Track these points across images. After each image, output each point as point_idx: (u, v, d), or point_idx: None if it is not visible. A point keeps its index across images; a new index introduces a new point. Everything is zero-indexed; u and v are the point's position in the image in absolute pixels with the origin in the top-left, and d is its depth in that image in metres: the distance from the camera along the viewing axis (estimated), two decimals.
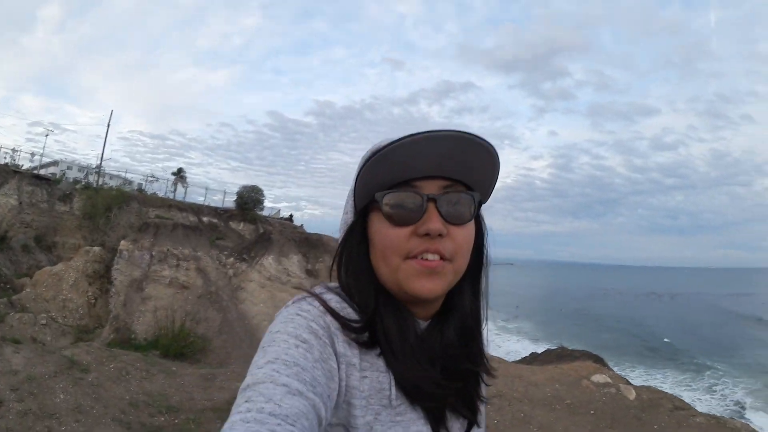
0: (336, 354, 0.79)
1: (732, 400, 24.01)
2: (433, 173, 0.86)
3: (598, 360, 14.82)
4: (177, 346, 12.97)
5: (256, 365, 0.71)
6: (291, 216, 34.74)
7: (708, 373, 30.40)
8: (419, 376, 0.85)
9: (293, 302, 0.85)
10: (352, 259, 0.91)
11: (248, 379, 0.69)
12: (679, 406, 8.75)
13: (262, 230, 24.47)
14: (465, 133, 0.80)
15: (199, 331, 14.39)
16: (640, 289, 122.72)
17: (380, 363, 0.85)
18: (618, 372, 12.79)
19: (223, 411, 5.94)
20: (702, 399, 22.80)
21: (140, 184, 24.52)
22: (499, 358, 14.05)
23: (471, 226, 0.90)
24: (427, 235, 0.84)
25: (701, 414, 8.60)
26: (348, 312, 0.86)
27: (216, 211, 24.36)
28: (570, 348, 19.00)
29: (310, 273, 24.33)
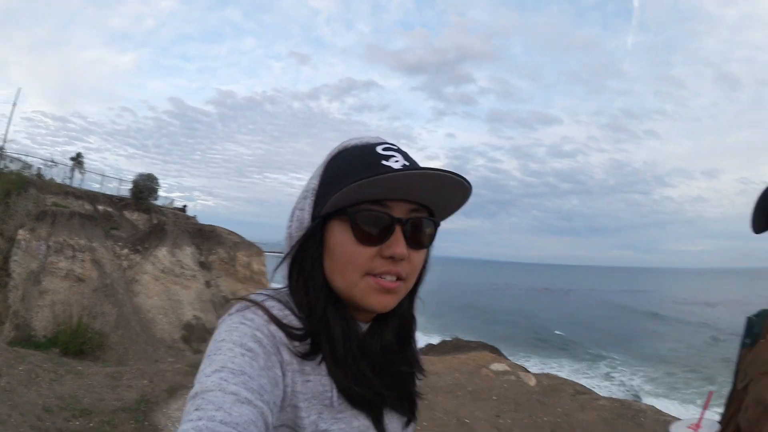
0: (281, 362, 0.81)
1: (630, 387, 25.18)
2: (404, 197, 0.87)
3: (494, 350, 15.34)
4: (76, 342, 12.55)
5: (204, 374, 0.71)
6: (185, 206, 33.56)
7: (604, 362, 31.97)
8: (359, 384, 0.87)
9: (236, 311, 0.84)
10: (306, 265, 0.90)
11: (196, 387, 0.70)
12: (581, 391, 8.93)
13: (156, 221, 23.73)
14: (455, 174, 0.82)
15: (96, 326, 13.89)
16: (532, 285, 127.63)
17: (322, 368, 0.86)
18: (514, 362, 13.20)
19: (135, 411, 6.01)
20: (601, 386, 23.06)
21: (39, 169, 22.81)
22: None
23: (426, 249, 0.94)
24: (391, 257, 0.86)
25: (604, 398, 8.79)
26: (290, 320, 0.86)
27: (111, 200, 23.28)
28: (465, 339, 19.55)
29: (203, 265, 23.92)
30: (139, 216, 23.71)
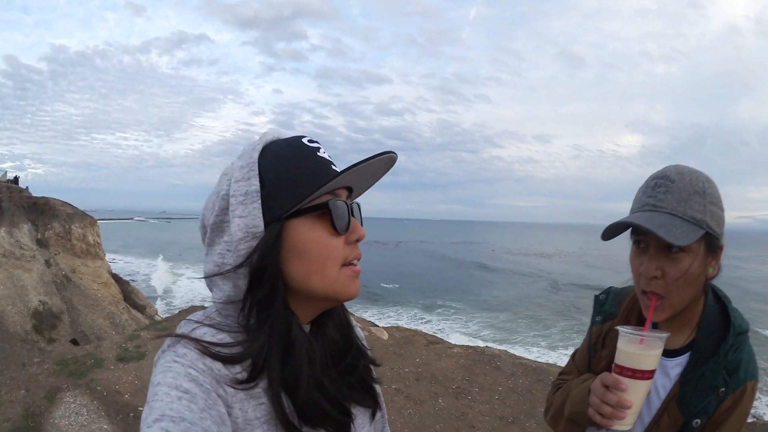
0: (223, 396, 0.75)
1: (474, 333, 25.16)
2: (349, 184, 0.90)
3: None
4: None
5: (146, 424, 0.66)
6: (17, 178, 31.12)
7: (439, 311, 32.46)
8: (320, 400, 0.83)
9: (168, 347, 0.79)
10: (271, 274, 0.82)
11: None
12: (433, 341, 9.33)
13: None
14: (394, 153, 0.86)
15: None
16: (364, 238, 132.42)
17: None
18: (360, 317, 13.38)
19: (26, 429, 5.71)
20: (447, 335, 22.29)
21: None
22: None
23: None
24: (356, 241, 0.87)
25: (457, 345, 9.16)
26: (227, 342, 0.80)
27: None
28: None
29: (41, 243, 22.47)
30: None
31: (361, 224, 0.91)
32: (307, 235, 0.83)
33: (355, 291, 0.88)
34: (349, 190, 0.91)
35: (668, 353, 1.24)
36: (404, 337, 9.40)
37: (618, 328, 1.21)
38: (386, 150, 0.86)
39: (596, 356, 1.44)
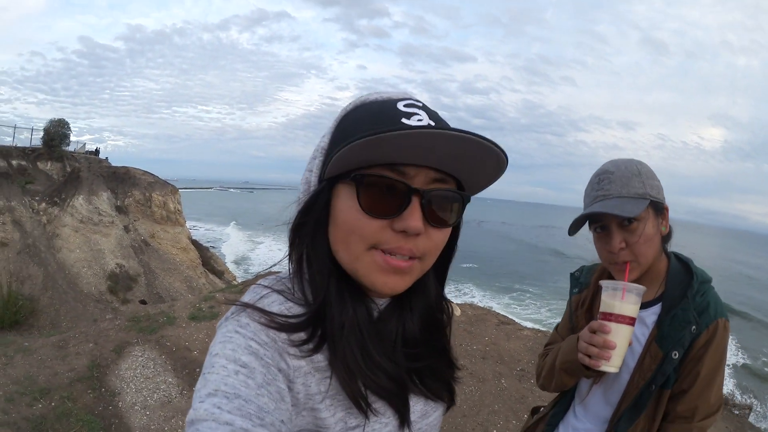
0: (284, 371, 0.71)
1: (545, 321, 25.83)
2: (425, 163, 0.72)
3: None
4: (10, 313, 12.15)
5: (198, 397, 0.63)
6: (97, 149, 32.18)
7: (514, 294, 33.59)
8: (371, 371, 0.76)
9: (232, 314, 0.74)
10: (307, 232, 0.78)
11: (191, 414, 0.62)
12: (504, 321, 9.19)
13: (69, 168, 22.80)
14: (483, 138, 0.67)
15: (25, 291, 13.53)
16: None
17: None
18: None
19: (89, 379, 6.02)
20: (520, 316, 23.88)
21: None
22: None
23: (449, 227, 0.80)
24: (403, 231, 0.72)
25: (527, 328, 9.05)
26: (295, 311, 0.76)
27: (24, 152, 21.91)
28: None
29: (120, 210, 23.52)
30: (52, 165, 22.62)
31: (446, 222, 0.77)
32: (343, 202, 0.74)
33: (381, 284, 0.75)
34: (453, 178, 0.78)
35: (642, 306, 1.40)
36: (476, 315, 9.38)
37: (601, 282, 1.41)
38: (466, 130, 0.67)
39: (576, 319, 1.66)
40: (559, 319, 1.83)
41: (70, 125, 24.44)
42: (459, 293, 29.16)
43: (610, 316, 1.33)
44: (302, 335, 0.74)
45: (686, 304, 1.38)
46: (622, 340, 1.31)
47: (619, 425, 1.45)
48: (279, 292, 0.78)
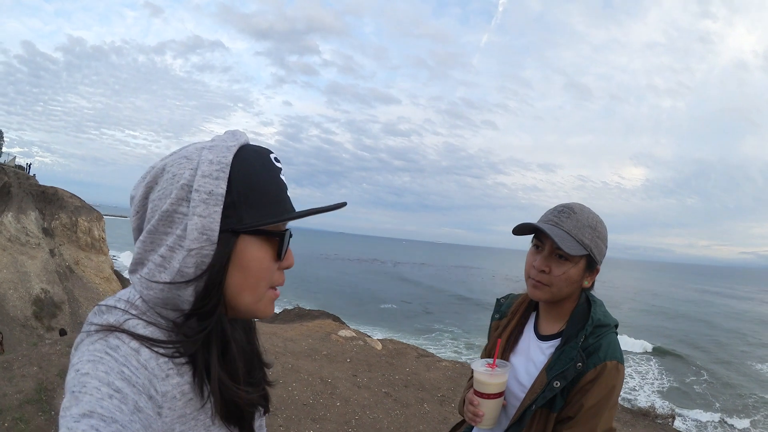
0: (156, 395, 0.74)
1: (463, 354, 27.09)
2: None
3: (336, 319, 16.13)
4: None
5: (72, 417, 0.62)
6: (29, 165, 31.11)
7: (434, 334, 34.31)
8: (237, 398, 0.86)
9: (98, 334, 0.75)
10: (216, 281, 0.81)
11: None
12: (423, 354, 9.94)
13: (1, 182, 21.77)
14: (345, 203, 0.89)
15: None
16: (361, 256, 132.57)
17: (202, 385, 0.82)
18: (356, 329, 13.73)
19: (39, 402, 5.84)
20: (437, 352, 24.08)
21: None
22: None
23: None
24: (285, 269, 0.91)
25: (445, 360, 9.78)
26: (158, 335, 0.79)
27: None
28: (307, 308, 20.12)
29: (46, 232, 22.76)
30: None
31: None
32: (254, 254, 0.83)
33: (271, 311, 0.90)
34: None
35: (545, 338, 1.66)
36: (397, 349, 9.87)
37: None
38: (341, 201, 0.89)
39: (493, 338, 1.84)
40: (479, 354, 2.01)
41: (3, 134, 23.50)
42: (378, 331, 28.97)
43: (480, 394, 1.58)
44: (174, 360, 0.79)
45: (576, 342, 1.53)
46: (489, 411, 1.58)
47: None
48: (136, 316, 0.80)
